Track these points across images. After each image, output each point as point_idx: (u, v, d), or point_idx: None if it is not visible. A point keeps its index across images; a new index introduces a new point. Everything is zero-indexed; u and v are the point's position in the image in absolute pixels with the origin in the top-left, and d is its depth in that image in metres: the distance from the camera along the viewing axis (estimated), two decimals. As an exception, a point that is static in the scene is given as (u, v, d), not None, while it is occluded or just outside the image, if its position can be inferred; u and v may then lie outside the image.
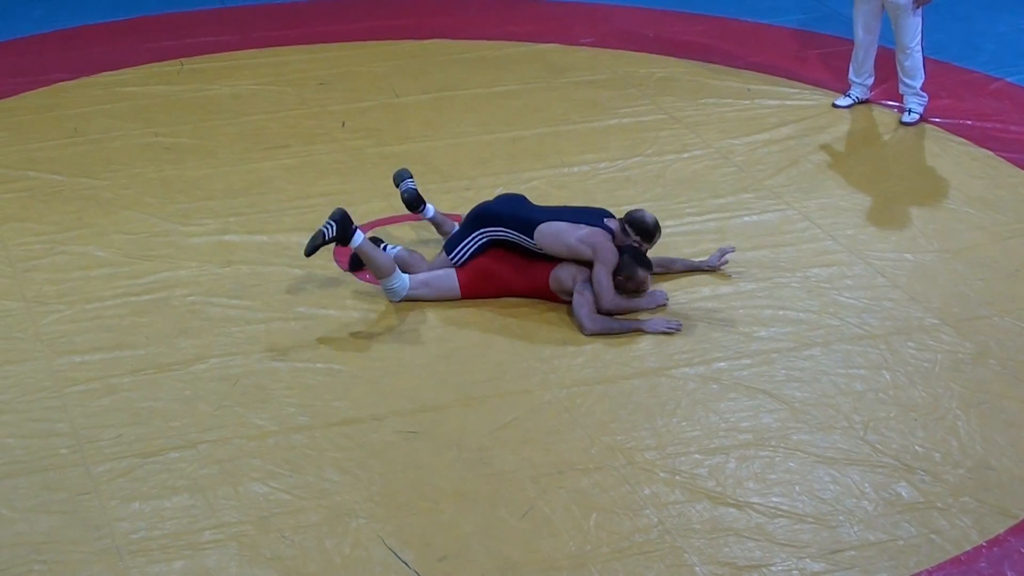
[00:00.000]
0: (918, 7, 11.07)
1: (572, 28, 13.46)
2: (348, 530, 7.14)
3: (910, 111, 11.45)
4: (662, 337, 8.68)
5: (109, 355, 8.45)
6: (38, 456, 7.61)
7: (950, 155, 11.05)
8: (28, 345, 8.56)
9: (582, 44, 13.05)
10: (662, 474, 7.55)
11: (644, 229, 8.93)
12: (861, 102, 11.74)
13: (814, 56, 12.76)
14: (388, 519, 7.22)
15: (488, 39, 13.13)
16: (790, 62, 12.69)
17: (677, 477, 7.53)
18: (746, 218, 10.08)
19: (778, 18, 13.68)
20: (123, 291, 9.09)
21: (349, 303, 9.00)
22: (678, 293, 9.13)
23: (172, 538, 7.08)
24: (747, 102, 11.89)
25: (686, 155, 10.99)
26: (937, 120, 11.48)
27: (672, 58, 12.76)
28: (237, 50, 12.83)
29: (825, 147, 11.15)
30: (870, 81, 11.71)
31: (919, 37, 11.20)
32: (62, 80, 12.17)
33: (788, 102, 11.91)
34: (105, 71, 12.34)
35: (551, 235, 8.84)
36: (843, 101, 11.74)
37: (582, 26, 13.51)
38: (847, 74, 11.75)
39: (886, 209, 10.35)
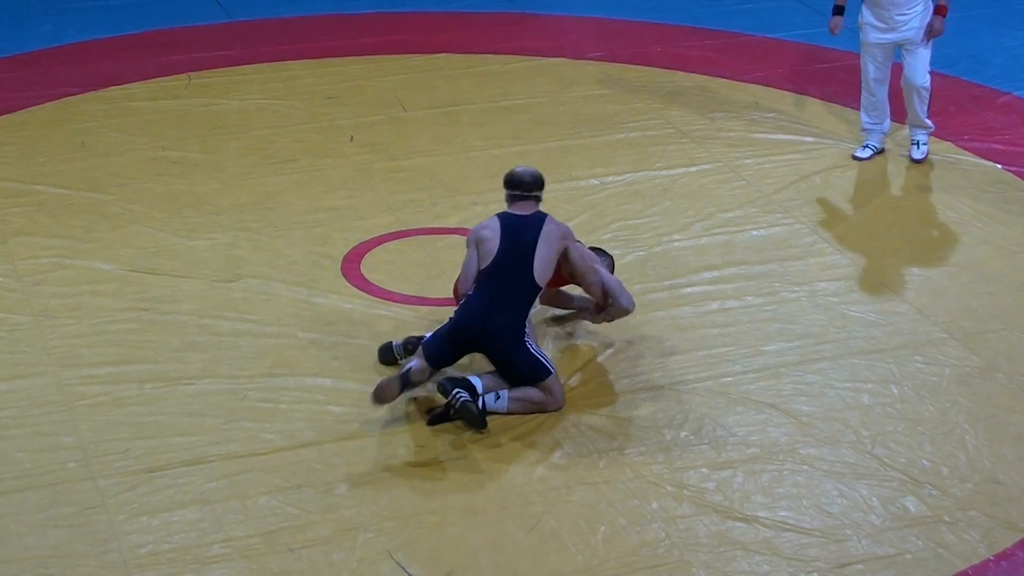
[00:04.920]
0: (928, 40, 10.78)
1: (580, 43, 13.47)
2: (356, 544, 7.14)
3: (918, 144, 11.10)
4: (668, 350, 8.67)
5: (117, 369, 8.46)
6: (46, 470, 7.62)
7: (958, 169, 11.04)
8: (36, 359, 8.56)
9: (590, 58, 13.06)
10: (669, 488, 7.55)
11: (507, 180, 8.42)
12: (879, 152, 11.24)
13: (821, 70, 12.77)
14: (396, 533, 7.22)
15: (496, 53, 13.15)
16: (797, 76, 12.69)
17: (684, 491, 7.53)
18: (754, 232, 10.08)
19: (785, 33, 13.68)
20: (131, 305, 9.10)
21: (357, 318, 9.00)
22: (685, 307, 9.13)
23: (180, 552, 7.08)
24: (755, 116, 11.90)
25: (694, 169, 10.99)
26: (945, 134, 11.47)
27: (680, 72, 12.77)
28: (245, 64, 12.85)
29: (833, 161, 11.14)
30: (887, 125, 11.23)
31: (928, 74, 10.87)
32: (70, 94, 12.19)
33: (796, 116, 11.91)
34: (113, 85, 12.36)
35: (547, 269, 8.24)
36: (862, 153, 11.19)
37: (590, 41, 13.52)
38: (852, 88, 11.55)
39: (894, 223, 10.35)
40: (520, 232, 8.22)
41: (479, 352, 8.15)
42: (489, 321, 8.02)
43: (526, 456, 7.78)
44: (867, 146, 11.24)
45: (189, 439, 7.87)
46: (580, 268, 8.39)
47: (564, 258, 8.33)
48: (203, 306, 9.10)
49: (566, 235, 8.29)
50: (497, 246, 8.18)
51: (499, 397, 7.99)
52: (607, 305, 8.58)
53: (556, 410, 8.10)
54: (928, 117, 11.08)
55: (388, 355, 8.47)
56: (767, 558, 7.10)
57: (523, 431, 7.97)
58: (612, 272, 8.80)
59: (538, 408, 8.08)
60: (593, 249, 8.77)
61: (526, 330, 8.13)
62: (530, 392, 8.05)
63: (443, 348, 8.09)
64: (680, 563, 7.06)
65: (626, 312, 8.58)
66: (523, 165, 8.60)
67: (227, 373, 8.43)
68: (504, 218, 8.31)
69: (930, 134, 11.16)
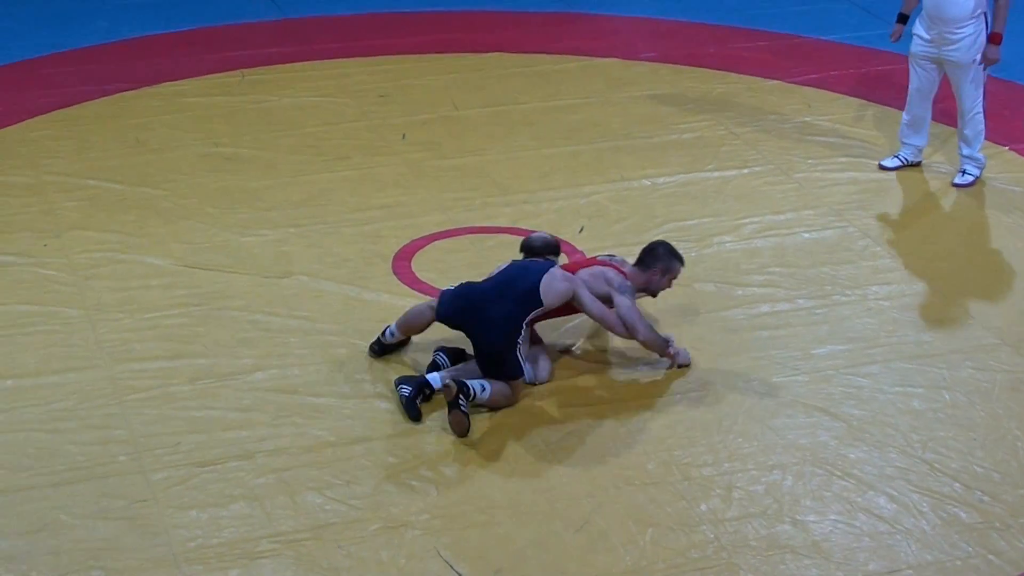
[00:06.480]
0: (986, 68, 10.55)
1: (633, 43, 13.45)
2: (404, 541, 7.15)
3: (964, 172, 10.82)
4: (718, 353, 8.66)
5: (168, 364, 8.50)
6: (97, 463, 7.66)
7: (1013, 173, 10.97)
8: (88, 353, 8.61)
9: (643, 59, 13.04)
10: (718, 490, 7.53)
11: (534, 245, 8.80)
12: (911, 165, 11.06)
13: (874, 73, 12.71)
14: (444, 531, 7.23)
15: (548, 53, 13.14)
16: (850, 79, 12.64)
17: (733, 493, 7.51)
18: (805, 235, 10.04)
19: (838, 35, 13.63)
20: (182, 300, 9.14)
21: (407, 315, 9.01)
22: (736, 310, 9.11)
23: (228, 547, 7.11)
24: (807, 118, 11.86)
25: (746, 171, 10.97)
26: (999, 139, 11.38)
27: (733, 74, 12.74)
28: (298, 62, 12.89)
29: (885, 164, 11.07)
30: (923, 143, 11.03)
31: (981, 99, 10.66)
32: (124, 90, 12.25)
33: (848, 118, 11.86)
34: (167, 81, 12.42)
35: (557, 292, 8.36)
36: (890, 162, 11.07)
37: (643, 41, 13.51)
38: (905, 92, 11.33)
39: (946, 227, 10.30)
40: (530, 264, 8.49)
41: (468, 334, 8.22)
42: (489, 308, 8.14)
43: (574, 457, 7.78)
44: (897, 156, 11.09)
45: (239, 434, 7.90)
46: (590, 312, 8.41)
47: (578, 303, 8.39)
48: (254, 302, 9.13)
49: (569, 278, 8.35)
50: (507, 264, 8.56)
51: (484, 389, 8.04)
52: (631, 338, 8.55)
53: (509, 407, 8.16)
54: (980, 151, 10.78)
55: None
56: (816, 562, 7.08)
57: (570, 431, 7.97)
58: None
59: (506, 403, 8.16)
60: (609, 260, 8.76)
61: (521, 334, 8.19)
62: (505, 387, 8.13)
63: (452, 309, 8.26)
64: (728, 565, 7.05)
65: (644, 345, 8.51)
66: (540, 232, 8.97)
67: (277, 369, 8.46)
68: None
69: (982, 168, 10.82)
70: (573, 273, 8.49)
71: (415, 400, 8.03)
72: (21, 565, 6.96)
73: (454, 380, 7.96)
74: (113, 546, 7.10)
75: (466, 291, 8.35)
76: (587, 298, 8.38)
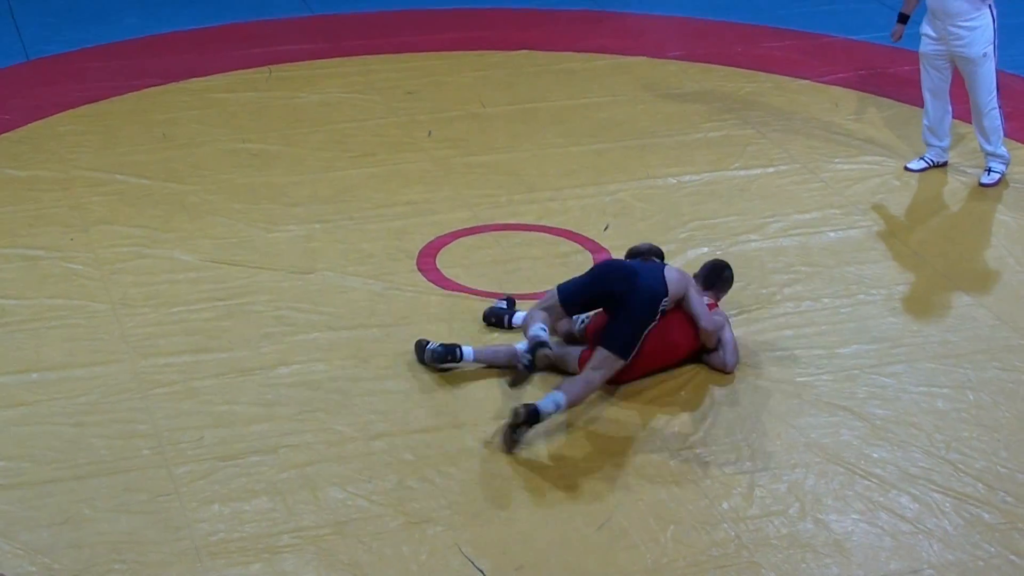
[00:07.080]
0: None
1: (661, 42, 13.44)
2: (425, 537, 7.16)
3: (990, 171, 10.76)
4: (742, 351, 8.61)
5: (192, 358, 8.52)
6: (121, 456, 7.69)
7: (1039, 174, 10.95)
8: (113, 347, 8.64)
9: (671, 58, 13.03)
10: (740, 488, 7.52)
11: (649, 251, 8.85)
12: (937, 165, 11.01)
13: (903, 72, 12.67)
14: (465, 527, 7.24)
15: (576, 51, 13.14)
16: (878, 78, 12.61)
17: (755, 492, 7.50)
18: (831, 234, 10.02)
19: (867, 34, 13.60)
20: (208, 295, 9.16)
21: (432, 312, 9.02)
22: (760, 308, 9.10)
23: (250, 541, 7.13)
24: (835, 118, 11.83)
25: (772, 170, 10.95)
26: (1022, 137, 11.39)
27: (761, 73, 12.72)
28: (325, 58, 12.91)
29: (911, 167, 11.04)
30: (946, 142, 10.97)
31: (995, 94, 10.57)
32: (152, 85, 12.29)
33: (875, 118, 11.84)
34: (194, 77, 12.45)
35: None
36: (916, 164, 11.01)
37: (671, 40, 13.49)
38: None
39: (974, 227, 10.27)
40: (646, 263, 8.48)
41: (607, 303, 8.19)
42: (642, 277, 8.16)
43: (596, 454, 7.79)
44: (922, 158, 11.02)
45: (262, 429, 7.92)
46: (695, 310, 8.35)
47: (685, 301, 8.36)
48: (279, 297, 9.15)
49: (684, 275, 8.39)
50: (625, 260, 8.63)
51: (559, 406, 7.89)
52: (712, 350, 8.53)
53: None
54: (1001, 146, 10.73)
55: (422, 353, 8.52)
56: (837, 561, 7.07)
57: (594, 429, 7.97)
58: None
59: (588, 393, 8.08)
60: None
61: (655, 320, 8.16)
62: (576, 387, 8.00)
63: (579, 297, 8.25)
64: (750, 564, 7.04)
65: (722, 368, 8.49)
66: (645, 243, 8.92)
67: (301, 364, 8.48)
68: None
69: (1007, 164, 10.78)
70: None
71: (428, 359, 8.33)
72: (44, 557, 6.99)
73: (525, 407, 7.77)
74: (135, 539, 7.13)
75: (614, 262, 8.58)
76: (696, 298, 8.37)
